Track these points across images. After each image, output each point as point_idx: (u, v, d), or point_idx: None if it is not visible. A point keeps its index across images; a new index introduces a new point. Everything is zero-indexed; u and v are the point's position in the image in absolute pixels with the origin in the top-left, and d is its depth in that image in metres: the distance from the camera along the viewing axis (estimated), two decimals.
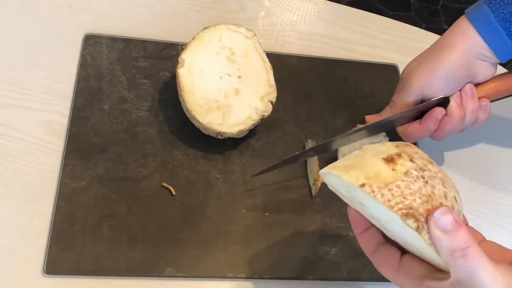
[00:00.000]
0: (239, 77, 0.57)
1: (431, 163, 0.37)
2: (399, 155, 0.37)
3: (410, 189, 0.35)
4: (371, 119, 0.60)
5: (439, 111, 0.54)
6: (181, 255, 0.52)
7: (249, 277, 0.53)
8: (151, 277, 0.51)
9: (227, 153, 0.58)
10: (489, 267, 0.35)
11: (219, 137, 0.56)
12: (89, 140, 0.56)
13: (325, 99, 0.65)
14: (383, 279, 0.56)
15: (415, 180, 0.35)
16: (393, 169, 0.36)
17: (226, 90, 0.56)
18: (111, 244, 0.51)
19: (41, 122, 0.56)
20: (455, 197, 0.37)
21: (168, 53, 0.63)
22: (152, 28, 0.65)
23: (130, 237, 0.52)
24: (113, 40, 0.62)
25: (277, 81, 0.58)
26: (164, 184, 0.55)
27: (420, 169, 0.36)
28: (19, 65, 0.59)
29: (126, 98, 0.59)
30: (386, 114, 0.58)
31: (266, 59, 0.59)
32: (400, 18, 0.75)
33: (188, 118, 0.56)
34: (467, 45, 0.53)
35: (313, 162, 0.58)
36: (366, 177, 0.36)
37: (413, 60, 0.57)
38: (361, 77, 0.68)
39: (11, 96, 0.57)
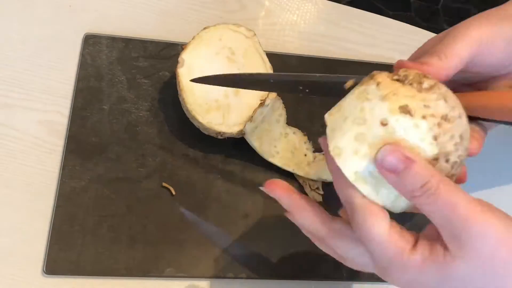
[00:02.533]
0: None
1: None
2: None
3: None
4: (408, 64, 0.41)
5: None
6: (181, 255, 0.52)
7: (249, 277, 0.53)
8: (151, 277, 0.51)
9: (227, 153, 0.58)
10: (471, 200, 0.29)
11: (219, 137, 0.56)
12: (88, 140, 0.56)
13: (326, 99, 0.65)
14: (383, 279, 0.56)
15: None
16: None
17: (226, 90, 0.56)
18: (111, 244, 0.51)
19: (40, 122, 0.56)
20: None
21: (168, 53, 0.63)
22: (152, 28, 0.65)
23: (130, 237, 0.52)
24: (113, 40, 0.62)
25: None
26: (164, 184, 0.55)
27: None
28: (19, 65, 0.59)
29: (125, 98, 0.59)
30: (430, 64, 0.40)
31: (266, 59, 0.59)
32: (400, 18, 0.75)
33: (188, 118, 0.56)
34: None
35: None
36: None
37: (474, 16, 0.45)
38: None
39: (11, 96, 0.57)
